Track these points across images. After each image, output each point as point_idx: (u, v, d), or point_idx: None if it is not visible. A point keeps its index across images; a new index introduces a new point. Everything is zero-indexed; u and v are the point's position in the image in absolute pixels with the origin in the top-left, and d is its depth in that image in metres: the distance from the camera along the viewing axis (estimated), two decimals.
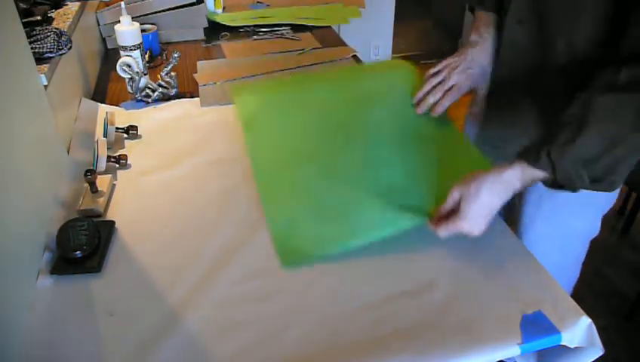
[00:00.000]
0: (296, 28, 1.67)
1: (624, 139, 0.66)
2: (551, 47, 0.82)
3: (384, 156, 0.87)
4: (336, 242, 0.72)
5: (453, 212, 0.73)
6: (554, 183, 0.72)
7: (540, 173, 0.70)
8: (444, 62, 0.94)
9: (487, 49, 0.94)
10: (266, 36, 1.63)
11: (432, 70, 0.94)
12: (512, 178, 0.71)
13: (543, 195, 0.91)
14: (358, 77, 1.08)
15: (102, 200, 0.87)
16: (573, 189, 0.73)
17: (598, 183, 0.69)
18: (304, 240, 0.72)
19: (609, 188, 0.70)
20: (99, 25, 1.52)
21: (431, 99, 0.92)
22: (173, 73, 1.22)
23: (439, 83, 0.93)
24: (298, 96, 1.01)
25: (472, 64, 0.93)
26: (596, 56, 0.76)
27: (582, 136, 0.67)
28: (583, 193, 0.74)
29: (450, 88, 0.92)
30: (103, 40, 1.56)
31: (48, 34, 0.99)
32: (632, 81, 0.66)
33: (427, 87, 0.93)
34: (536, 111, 0.90)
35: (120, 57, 1.19)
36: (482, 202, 0.71)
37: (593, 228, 0.95)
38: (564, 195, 0.77)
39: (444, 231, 0.73)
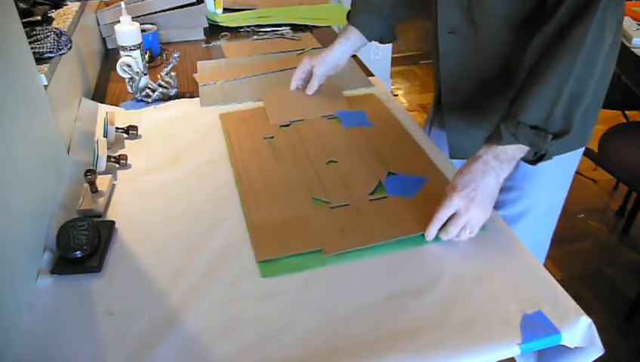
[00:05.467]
0: (296, 28, 1.67)
1: (564, 83, 0.68)
2: (490, 47, 0.87)
3: None
4: (321, 257, 0.72)
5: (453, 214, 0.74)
6: (534, 157, 0.75)
7: (512, 149, 0.73)
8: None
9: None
10: (266, 36, 1.63)
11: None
12: (494, 159, 0.73)
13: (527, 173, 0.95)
14: None
15: (102, 200, 0.87)
16: (545, 154, 0.75)
17: (563, 135, 0.72)
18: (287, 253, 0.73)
19: (574, 138, 0.74)
20: (99, 25, 1.52)
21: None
22: (173, 73, 1.22)
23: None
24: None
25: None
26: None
27: (528, 100, 0.69)
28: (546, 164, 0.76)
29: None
30: (103, 40, 1.56)
31: (48, 34, 0.99)
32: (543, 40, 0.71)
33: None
34: (496, 98, 0.93)
35: (120, 57, 1.20)
36: (486, 185, 0.72)
37: (562, 197, 1.03)
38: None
39: (453, 229, 0.74)
